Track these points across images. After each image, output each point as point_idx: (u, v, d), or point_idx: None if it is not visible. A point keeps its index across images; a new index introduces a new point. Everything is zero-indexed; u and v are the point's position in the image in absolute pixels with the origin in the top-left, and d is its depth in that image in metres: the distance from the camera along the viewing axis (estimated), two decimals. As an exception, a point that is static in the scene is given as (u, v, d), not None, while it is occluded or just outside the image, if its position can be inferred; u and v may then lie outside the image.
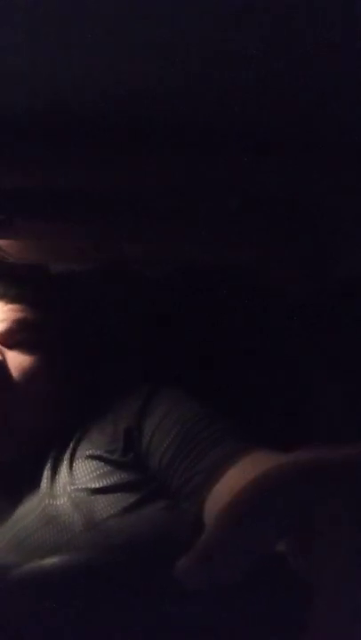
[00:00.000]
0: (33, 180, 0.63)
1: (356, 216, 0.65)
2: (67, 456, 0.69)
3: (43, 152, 0.61)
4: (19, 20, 0.43)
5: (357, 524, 0.24)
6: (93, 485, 0.64)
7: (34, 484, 0.69)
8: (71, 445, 0.70)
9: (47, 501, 0.66)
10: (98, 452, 0.67)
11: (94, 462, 0.66)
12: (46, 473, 0.68)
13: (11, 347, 0.72)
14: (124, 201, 0.70)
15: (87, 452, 0.67)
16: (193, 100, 0.53)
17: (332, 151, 0.58)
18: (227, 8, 0.40)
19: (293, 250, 0.78)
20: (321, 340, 0.77)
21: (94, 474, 0.65)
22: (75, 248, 0.83)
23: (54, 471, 0.69)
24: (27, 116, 0.56)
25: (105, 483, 0.64)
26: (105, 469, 0.65)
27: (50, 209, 0.69)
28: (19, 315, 0.74)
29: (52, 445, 0.71)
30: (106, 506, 0.62)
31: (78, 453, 0.69)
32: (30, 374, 0.71)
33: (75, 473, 0.67)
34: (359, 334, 0.75)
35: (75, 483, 0.65)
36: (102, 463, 0.66)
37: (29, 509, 0.67)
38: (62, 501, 0.64)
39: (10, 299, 0.75)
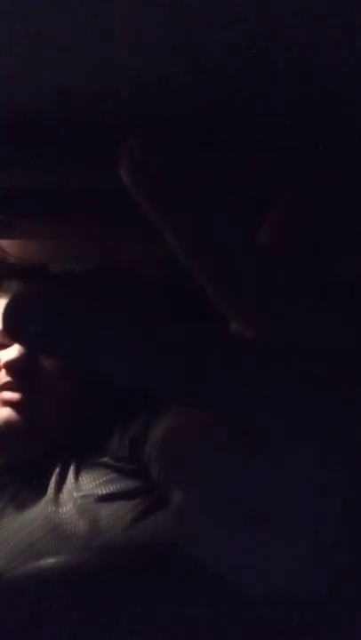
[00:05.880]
0: (33, 180, 0.63)
1: (356, 216, 0.65)
2: (75, 463, 0.69)
3: (43, 152, 0.60)
4: (19, 20, 0.43)
5: None
6: (100, 492, 0.64)
7: (40, 488, 0.69)
8: (80, 452, 0.70)
9: (51, 508, 0.65)
10: (104, 460, 0.66)
11: (101, 469, 0.66)
12: (54, 478, 0.68)
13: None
14: (123, 201, 0.70)
15: (94, 460, 0.67)
16: (193, 99, 0.52)
17: (333, 151, 0.58)
18: (227, 8, 0.40)
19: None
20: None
21: (101, 480, 0.65)
22: (75, 248, 0.83)
23: (62, 478, 0.69)
24: (27, 115, 0.56)
25: (111, 489, 0.64)
26: (111, 476, 0.65)
27: (50, 209, 0.69)
28: None
29: (64, 450, 0.71)
30: (111, 513, 0.62)
31: (86, 461, 0.69)
32: (56, 375, 0.71)
33: (81, 480, 0.67)
34: (359, 334, 0.75)
35: (81, 489, 0.65)
36: (109, 470, 0.66)
37: (34, 515, 0.67)
38: (67, 508, 0.64)
39: None
